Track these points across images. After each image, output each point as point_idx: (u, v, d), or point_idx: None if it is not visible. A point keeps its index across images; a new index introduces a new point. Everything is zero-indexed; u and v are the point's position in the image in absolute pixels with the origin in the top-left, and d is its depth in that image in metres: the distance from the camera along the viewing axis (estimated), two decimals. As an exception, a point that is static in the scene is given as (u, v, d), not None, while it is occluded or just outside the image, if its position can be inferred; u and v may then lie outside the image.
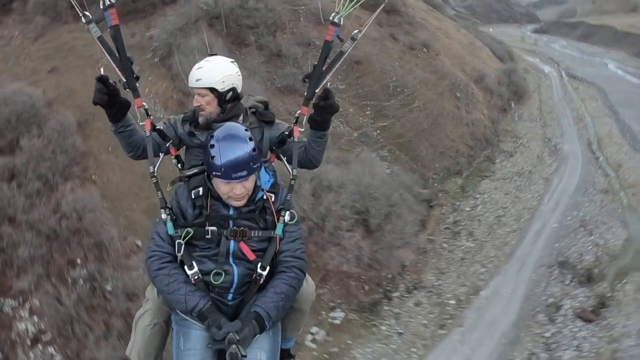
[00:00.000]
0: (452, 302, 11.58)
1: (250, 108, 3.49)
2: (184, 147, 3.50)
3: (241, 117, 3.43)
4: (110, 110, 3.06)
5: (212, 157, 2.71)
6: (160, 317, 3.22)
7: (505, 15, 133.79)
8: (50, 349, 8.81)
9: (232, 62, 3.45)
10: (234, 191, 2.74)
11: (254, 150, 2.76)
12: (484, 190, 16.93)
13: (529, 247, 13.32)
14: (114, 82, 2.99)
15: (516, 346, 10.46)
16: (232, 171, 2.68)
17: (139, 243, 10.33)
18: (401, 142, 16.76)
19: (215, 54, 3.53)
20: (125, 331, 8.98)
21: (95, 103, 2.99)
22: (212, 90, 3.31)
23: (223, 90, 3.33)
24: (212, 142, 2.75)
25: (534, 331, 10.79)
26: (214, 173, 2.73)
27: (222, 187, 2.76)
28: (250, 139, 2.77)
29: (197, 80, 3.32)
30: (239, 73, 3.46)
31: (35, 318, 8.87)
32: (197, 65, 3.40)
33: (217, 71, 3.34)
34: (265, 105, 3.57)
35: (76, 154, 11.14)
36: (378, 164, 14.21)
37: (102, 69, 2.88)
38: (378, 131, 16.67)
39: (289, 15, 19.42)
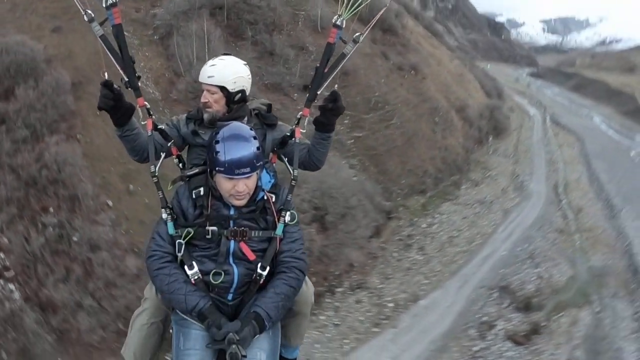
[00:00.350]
0: (391, 305, 12.14)
1: (253, 110, 3.56)
2: (186, 146, 3.59)
3: (245, 119, 3.48)
4: (115, 114, 3.12)
5: (217, 153, 2.78)
6: (157, 316, 3.27)
7: (506, 54, 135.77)
8: (11, 286, 9.09)
9: (244, 64, 3.52)
10: (237, 188, 2.80)
11: (258, 149, 2.84)
12: (444, 211, 17.53)
13: (474, 269, 14.02)
14: (119, 86, 3.08)
15: (443, 354, 11.02)
16: (235, 167, 2.74)
17: (110, 203, 10.83)
18: (372, 154, 17.38)
19: (229, 54, 3.59)
20: (83, 278, 9.50)
21: (100, 108, 3.08)
22: (222, 89, 3.39)
23: (233, 90, 3.40)
24: (217, 138, 2.82)
25: (462, 343, 11.24)
26: (217, 168, 2.79)
27: (224, 184, 2.82)
28: (255, 138, 2.85)
29: (209, 77, 3.39)
30: (250, 76, 3.54)
31: (2, 254, 9.24)
32: (210, 62, 3.46)
33: (230, 71, 3.41)
34: (269, 107, 3.64)
35: (66, 111, 11.61)
36: (345, 169, 14.80)
37: (106, 74, 2.98)
38: (352, 140, 17.27)
39: (288, 17, 20.02)
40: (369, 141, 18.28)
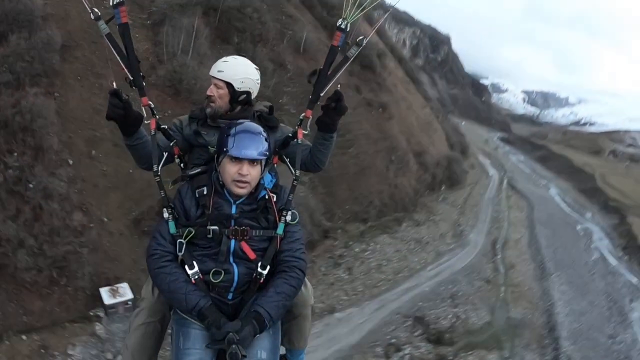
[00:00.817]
0: (307, 312, 12.79)
1: (256, 112, 3.52)
2: (191, 148, 3.54)
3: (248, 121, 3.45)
4: (124, 124, 3.08)
5: (227, 136, 2.86)
6: (155, 316, 3.25)
7: (483, 116, 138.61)
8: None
9: (256, 68, 3.52)
10: (240, 171, 2.80)
11: (266, 140, 2.90)
12: (380, 241, 18.40)
13: (394, 296, 14.85)
14: (127, 95, 3.03)
15: (347, 363, 11.75)
16: (242, 147, 2.79)
17: (70, 162, 11.60)
18: (323, 177, 17.91)
19: (244, 56, 3.58)
20: (30, 221, 10.37)
21: (109, 118, 3.00)
22: (229, 85, 3.37)
23: (239, 89, 3.40)
24: (229, 131, 2.89)
25: (367, 358, 12.09)
26: (225, 149, 2.83)
27: (229, 168, 2.83)
28: (265, 136, 2.92)
29: (219, 71, 3.38)
30: (259, 81, 3.54)
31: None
32: (224, 58, 3.46)
33: (240, 70, 3.41)
34: (270, 109, 3.61)
35: (50, 68, 12.42)
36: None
37: (114, 83, 2.95)
38: (307, 159, 17.71)
39: (275, 34, 20.80)
40: (323, 164, 18.82)
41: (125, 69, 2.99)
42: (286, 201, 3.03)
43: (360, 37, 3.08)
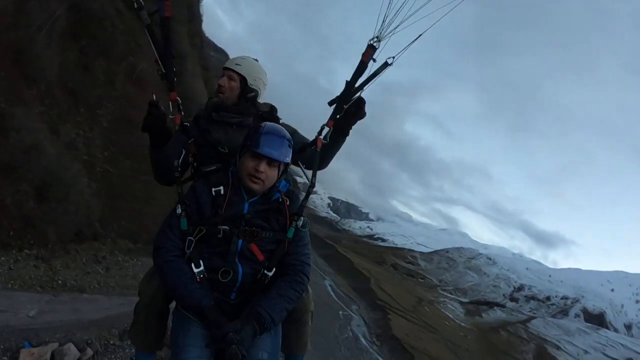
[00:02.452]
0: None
1: (259, 111, 3.61)
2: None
3: (251, 119, 3.56)
4: (159, 135, 3.19)
5: (254, 132, 2.98)
6: (155, 306, 3.33)
7: None
8: None
9: (266, 74, 3.64)
10: (258, 167, 2.91)
11: (290, 147, 3.02)
12: (143, 261, 18.66)
13: None
14: (164, 107, 3.16)
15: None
16: (266, 145, 2.90)
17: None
18: (112, 191, 18.98)
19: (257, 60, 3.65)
20: None
21: (146, 128, 3.15)
22: (243, 79, 3.49)
23: (250, 85, 3.51)
24: (258, 128, 3.02)
25: (102, 332, 11.89)
26: (248, 143, 2.95)
27: (248, 162, 2.95)
28: (290, 142, 3.04)
29: (237, 64, 3.50)
30: (266, 85, 3.67)
31: None
32: (241, 56, 3.60)
33: (255, 69, 3.56)
34: (272, 110, 3.68)
35: None
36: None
37: (154, 95, 3.08)
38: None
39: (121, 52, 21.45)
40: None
41: (159, 62, 3.19)
42: (299, 207, 3.13)
43: (389, 57, 3.23)
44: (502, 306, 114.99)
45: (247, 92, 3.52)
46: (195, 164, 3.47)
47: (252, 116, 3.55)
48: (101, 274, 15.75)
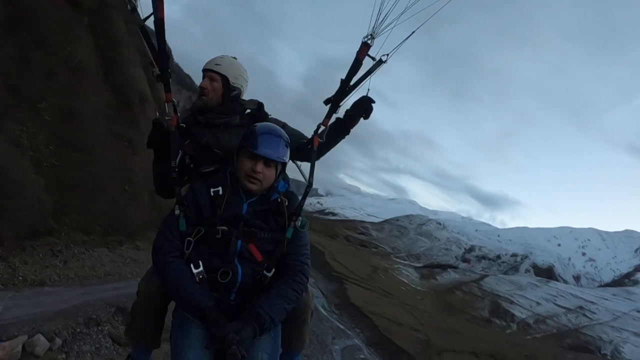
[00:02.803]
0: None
1: (245, 109, 3.63)
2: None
3: (237, 117, 3.58)
4: (163, 151, 3.27)
5: (250, 133, 3.00)
6: (152, 305, 3.30)
7: None
8: None
9: (246, 70, 3.63)
10: (255, 168, 2.95)
11: (287, 147, 3.05)
12: (99, 251, 18.37)
13: (102, 289, 14.55)
14: (168, 127, 3.23)
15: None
16: (262, 145, 2.93)
17: None
18: (61, 183, 18.98)
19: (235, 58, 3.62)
20: None
21: (151, 144, 3.27)
22: (224, 79, 3.50)
23: (233, 84, 3.52)
24: (254, 128, 3.05)
25: (68, 321, 11.79)
26: (244, 143, 2.98)
27: (245, 163, 2.99)
28: (287, 142, 3.07)
29: (216, 64, 3.49)
30: (248, 81, 3.66)
31: None
32: (220, 55, 3.57)
33: (236, 67, 3.56)
34: (260, 107, 3.69)
35: None
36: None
37: (157, 112, 3.61)
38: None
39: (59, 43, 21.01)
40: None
41: (154, 63, 3.18)
42: (298, 207, 3.16)
43: (384, 54, 3.21)
44: (455, 267, 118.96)
45: (230, 92, 3.54)
46: (192, 165, 3.50)
47: (238, 115, 3.57)
48: (60, 267, 15.86)
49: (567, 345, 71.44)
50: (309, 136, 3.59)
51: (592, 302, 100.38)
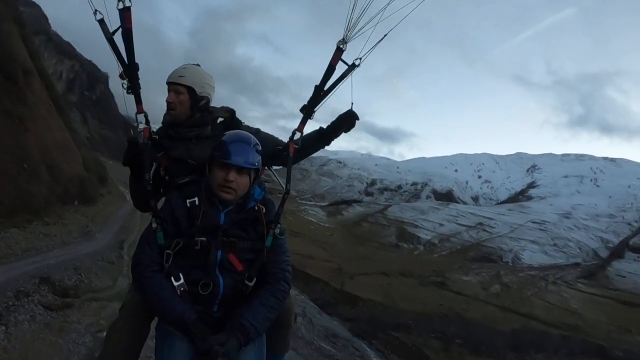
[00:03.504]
0: None
1: (216, 118, 3.50)
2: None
3: (209, 127, 3.47)
4: (139, 169, 3.20)
5: (220, 142, 2.97)
6: (135, 321, 3.14)
7: None
8: None
9: (211, 76, 3.52)
10: (227, 177, 2.90)
11: (258, 153, 3.00)
12: (10, 231, 20.02)
13: (21, 264, 16.51)
14: (142, 142, 3.17)
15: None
16: (231, 154, 2.89)
17: None
18: None
19: (199, 65, 3.52)
20: None
21: (126, 163, 3.21)
22: (190, 90, 3.37)
23: (200, 94, 3.39)
24: (223, 137, 3.01)
25: None
26: (215, 153, 2.94)
27: (217, 173, 2.94)
28: (258, 147, 3.03)
29: (180, 76, 3.36)
30: (214, 88, 3.52)
31: None
32: (182, 65, 3.44)
33: (200, 75, 3.43)
34: (232, 114, 3.55)
35: None
36: None
37: (132, 131, 3.11)
38: None
39: None
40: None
41: (125, 75, 3.07)
42: (275, 214, 3.11)
43: (357, 58, 3.20)
44: (359, 202, 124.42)
45: (198, 102, 3.41)
46: (167, 177, 3.42)
47: (209, 125, 3.46)
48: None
49: (471, 258, 77.90)
50: (285, 141, 3.57)
51: (491, 218, 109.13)
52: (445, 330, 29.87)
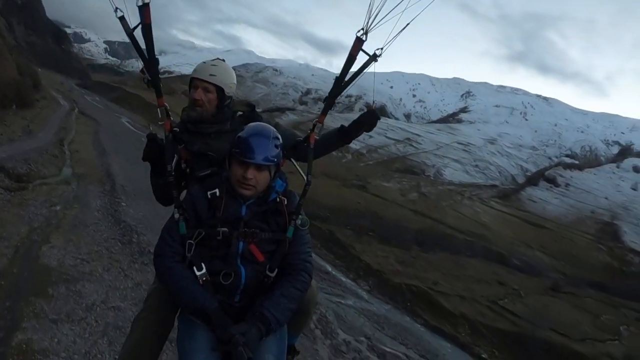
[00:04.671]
0: None
1: (236, 112, 3.49)
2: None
3: (229, 123, 3.44)
4: (159, 165, 3.21)
5: (238, 138, 2.88)
6: (158, 314, 3.16)
7: (62, 64, 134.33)
8: None
9: (234, 72, 3.50)
10: (245, 174, 2.83)
11: (276, 147, 2.91)
12: None
13: None
14: (162, 138, 3.18)
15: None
16: (249, 151, 2.80)
17: None
18: None
19: (224, 60, 3.49)
20: None
21: (146, 158, 3.25)
22: (219, 90, 3.33)
23: (227, 94, 3.38)
24: (242, 132, 2.90)
25: None
26: (233, 150, 2.86)
27: (236, 169, 2.88)
28: (277, 140, 2.93)
29: (211, 75, 3.31)
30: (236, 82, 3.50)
31: None
32: (210, 62, 3.42)
33: (230, 75, 3.42)
34: (252, 108, 3.58)
35: None
36: None
37: (151, 127, 3.10)
38: None
39: None
40: None
41: (145, 69, 3.10)
42: (297, 206, 3.06)
43: (378, 48, 3.10)
44: (293, 110, 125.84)
45: (224, 101, 3.39)
46: (188, 170, 3.41)
47: (229, 121, 3.44)
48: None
49: (396, 169, 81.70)
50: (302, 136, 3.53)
51: (419, 135, 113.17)
52: (359, 224, 31.21)
